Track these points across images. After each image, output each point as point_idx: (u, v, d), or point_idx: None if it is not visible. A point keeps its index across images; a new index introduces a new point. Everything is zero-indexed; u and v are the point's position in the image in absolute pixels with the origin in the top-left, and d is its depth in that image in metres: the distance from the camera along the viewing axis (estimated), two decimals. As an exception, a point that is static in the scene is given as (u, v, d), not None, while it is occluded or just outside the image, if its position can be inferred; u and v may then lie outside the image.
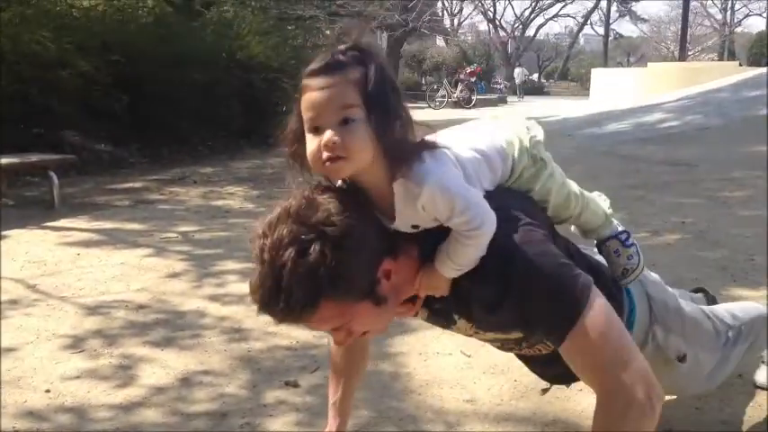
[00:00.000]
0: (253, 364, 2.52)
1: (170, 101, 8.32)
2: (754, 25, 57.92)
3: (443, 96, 20.87)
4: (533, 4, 44.50)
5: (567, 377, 1.52)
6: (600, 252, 1.65)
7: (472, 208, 1.27)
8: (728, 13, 47.56)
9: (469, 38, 43.16)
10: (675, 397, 1.97)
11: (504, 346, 1.63)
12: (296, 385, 2.33)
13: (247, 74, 9.94)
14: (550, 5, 45.62)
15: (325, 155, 1.19)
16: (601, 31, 52.35)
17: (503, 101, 25.66)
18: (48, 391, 2.33)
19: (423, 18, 21.14)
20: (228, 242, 4.27)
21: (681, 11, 25.23)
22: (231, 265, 3.76)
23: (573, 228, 1.66)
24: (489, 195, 1.35)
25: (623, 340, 1.31)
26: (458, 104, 20.58)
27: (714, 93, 11.48)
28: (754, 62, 25.30)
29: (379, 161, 1.22)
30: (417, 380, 2.36)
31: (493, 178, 1.41)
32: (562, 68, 49.69)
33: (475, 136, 1.44)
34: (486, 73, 30.36)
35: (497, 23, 43.92)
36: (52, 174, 5.50)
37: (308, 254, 1.18)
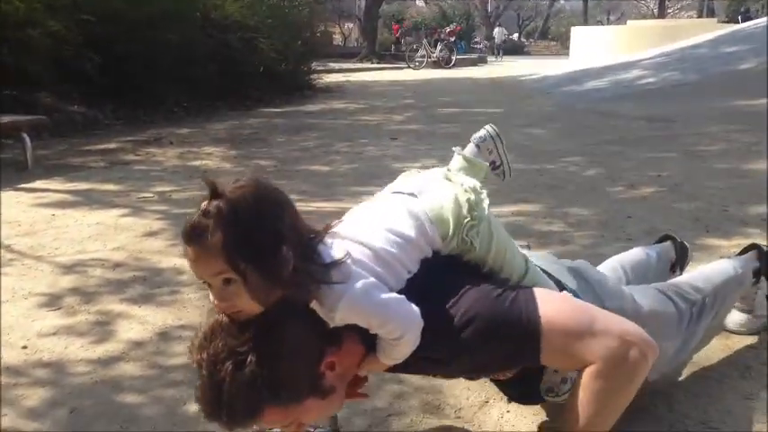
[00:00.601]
0: (231, 318, 2.52)
1: (143, 61, 8.18)
2: (734, -18, 57.68)
3: (423, 56, 20.69)
4: (513, -37, 44.04)
5: (531, 396, 1.58)
6: None
7: (390, 321, 1.28)
8: (708, -30, 47.38)
9: (449, -3, 42.70)
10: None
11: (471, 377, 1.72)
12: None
13: (223, 33, 9.79)
14: (530, -37, 45.19)
15: (220, 309, 1.23)
16: (581, -11, 51.98)
17: (482, 60, 25.52)
18: (25, 347, 2.32)
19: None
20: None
21: (660, -32, 25.08)
22: (209, 223, 3.74)
23: None
24: (416, 276, 1.36)
25: (583, 317, 1.37)
26: (437, 64, 20.44)
27: (692, 49, 11.49)
28: (732, 19, 25.31)
29: (284, 294, 1.22)
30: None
31: (419, 256, 1.39)
32: (542, 28, 49.48)
33: (400, 216, 1.40)
34: (465, 32, 30.18)
35: (477, -18, 43.45)
36: (25, 135, 5.41)
37: (244, 366, 1.20)
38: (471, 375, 1.67)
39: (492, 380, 1.75)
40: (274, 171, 5.21)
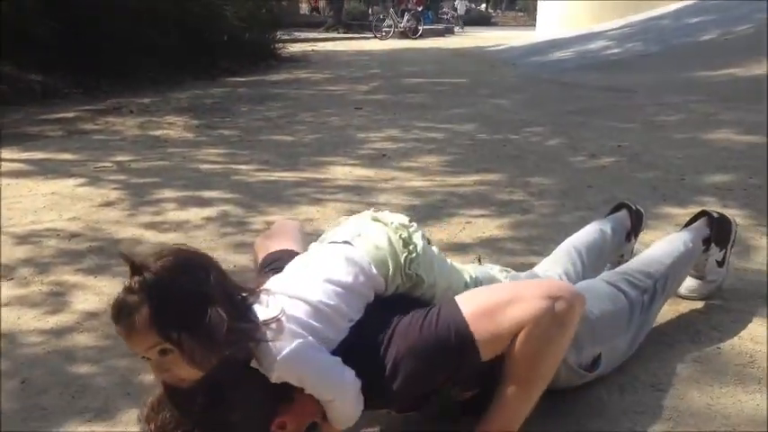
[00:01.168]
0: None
1: (102, 29, 7.95)
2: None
3: (390, 26, 20.48)
4: (481, -69, 43.65)
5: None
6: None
7: (321, 384, 1.31)
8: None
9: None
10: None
11: None
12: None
13: (186, 0, 9.56)
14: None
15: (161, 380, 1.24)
16: (549, -41, 51.79)
17: (450, 31, 25.35)
18: (-25, 318, 2.27)
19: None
20: (166, 171, 4.16)
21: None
22: (169, 193, 3.66)
23: None
24: (360, 322, 1.38)
25: (502, 293, 1.43)
26: (404, 35, 20.26)
27: (655, 20, 11.55)
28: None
29: (224, 356, 1.23)
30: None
31: (363, 301, 1.41)
32: (510, -2, 49.22)
33: (337, 265, 1.42)
34: (433, 2, 29.91)
35: (445, -49, 43.02)
36: (-22, 104, 5.26)
37: None
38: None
39: (462, 414, 1.63)
40: (237, 141, 5.15)
